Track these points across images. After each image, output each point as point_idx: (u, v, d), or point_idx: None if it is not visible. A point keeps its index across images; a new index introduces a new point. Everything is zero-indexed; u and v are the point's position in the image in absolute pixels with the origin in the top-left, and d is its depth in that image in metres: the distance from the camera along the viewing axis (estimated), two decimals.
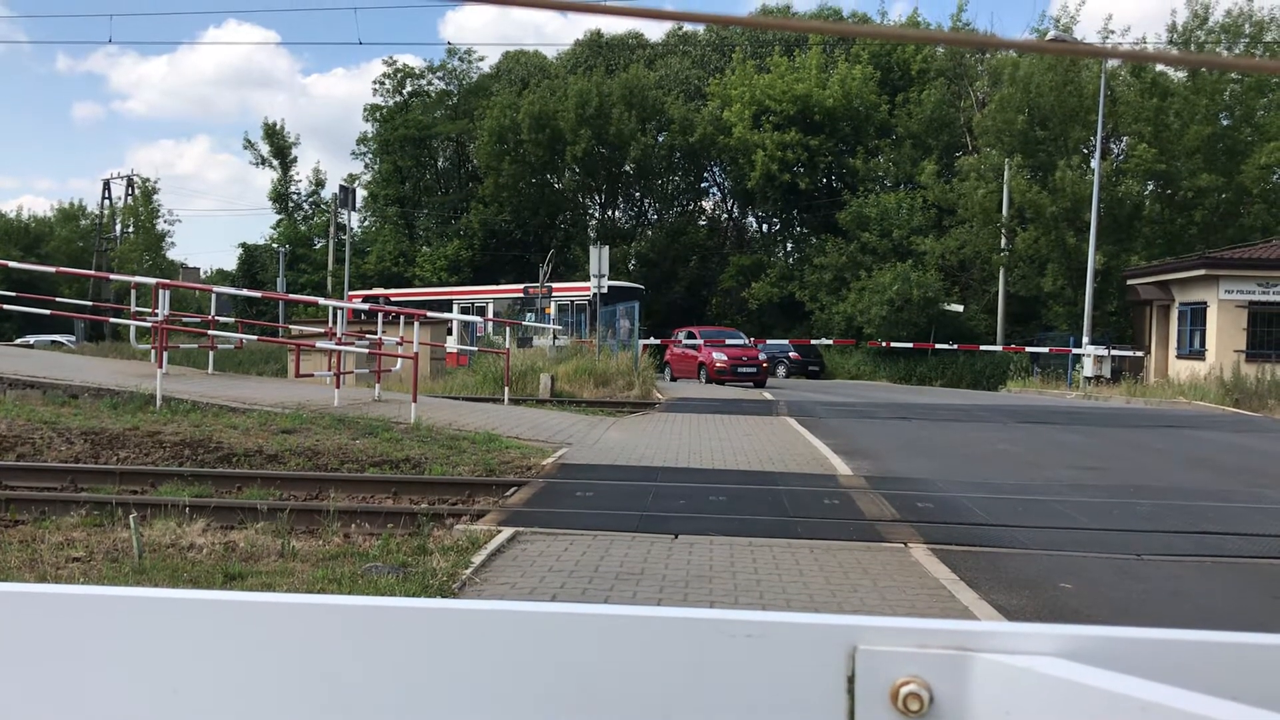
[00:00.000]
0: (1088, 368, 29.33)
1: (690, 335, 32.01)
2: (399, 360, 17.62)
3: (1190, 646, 0.84)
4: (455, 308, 35.41)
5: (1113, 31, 37.44)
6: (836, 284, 41.25)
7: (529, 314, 33.49)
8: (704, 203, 54.50)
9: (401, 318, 19.41)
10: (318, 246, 55.52)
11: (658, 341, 32.92)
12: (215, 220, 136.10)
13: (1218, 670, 0.82)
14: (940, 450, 13.34)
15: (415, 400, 13.72)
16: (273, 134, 57.46)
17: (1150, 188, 35.70)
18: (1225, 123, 35.09)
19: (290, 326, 28.96)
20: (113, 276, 25.48)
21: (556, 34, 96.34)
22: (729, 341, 31.01)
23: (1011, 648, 0.83)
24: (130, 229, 59.35)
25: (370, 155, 57.13)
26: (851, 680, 0.84)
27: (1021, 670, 0.81)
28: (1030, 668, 0.81)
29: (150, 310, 17.14)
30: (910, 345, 35.13)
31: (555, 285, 34.39)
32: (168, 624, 0.90)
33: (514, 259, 48.80)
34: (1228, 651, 0.84)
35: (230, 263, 63.02)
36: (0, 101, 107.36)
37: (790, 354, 37.54)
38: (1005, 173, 35.81)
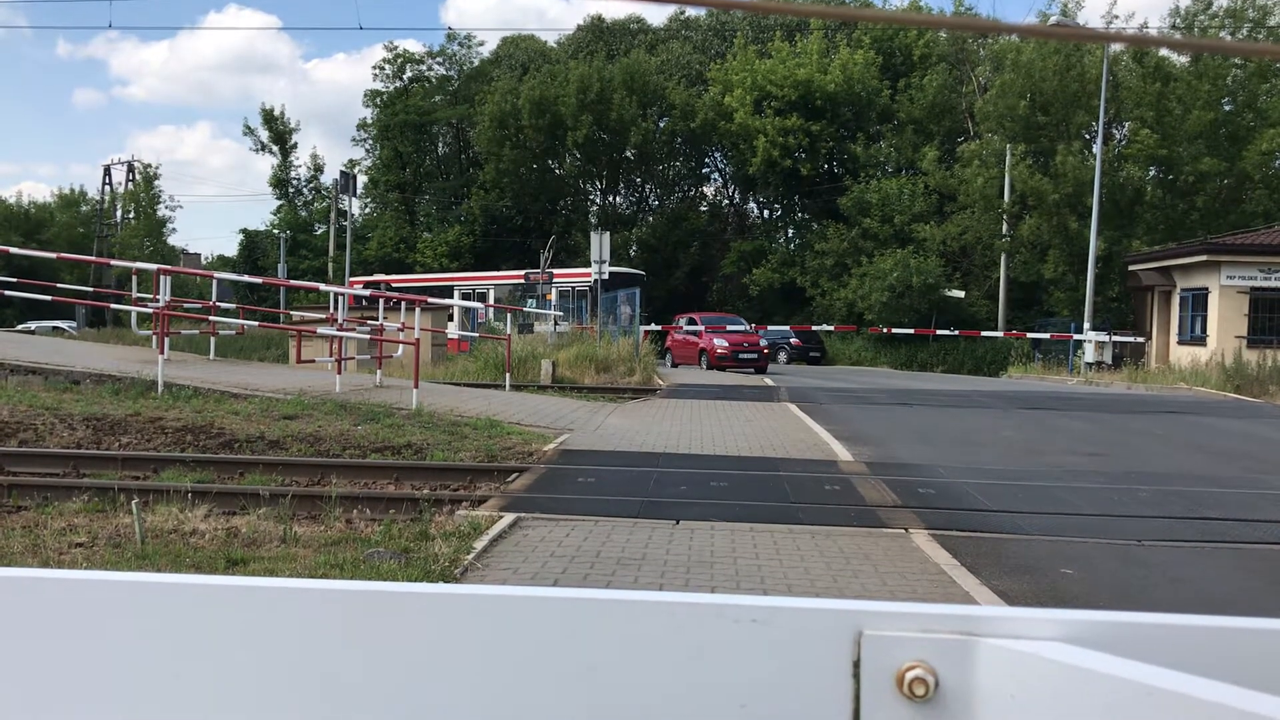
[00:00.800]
0: (1089, 354, 29.29)
1: (691, 321, 31.98)
2: (400, 346, 17.62)
3: (1193, 631, 0.84)
4: (456, 294, 35.37)
5: (1116, 17, 37.30)
6: (838, 270, 41.20)
7: (530, 300, 33.46)
8: (705, 188, 54.38)
9: (402, 304, 19.40)
10: (318, 232, 55.51)
11: (659, 328, 32.87)
12: (216, 206, 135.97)
13: (1220, 655, 0.82)
14: (941, 436, 13.35)
15: (417, 386, 13.73)
16: (272, 120, 57.36)
17: (1152, 173, 35.61)
18: (1227, 108, 34.97)
19: (291, 312, 28.95)
20: (114, 262, 25.46)
21: (558, 19, 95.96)
22: (730, 328, 30.97)
23: (1017, 633, 0.83)
24: (131, 215, 59.33)
25: (371, 141, 57.06)
26: (857, 665, 0.84)
27: (1027, 655, 0.81)
28: (1035, 653, 0.81)
29: (151, 296, 17.14)
30: (911, 331, 35.10)
31: (556, 271, 34.37)
32: (170, 609, 0.90)
33: (515, 245, 48.71)
34: (1230, 636, 0.84)
35: (231, 248, 63.08)
36: (1, 87, 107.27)
37: (791, 340, 37.51)
38: (1007, 159, 35.72)
